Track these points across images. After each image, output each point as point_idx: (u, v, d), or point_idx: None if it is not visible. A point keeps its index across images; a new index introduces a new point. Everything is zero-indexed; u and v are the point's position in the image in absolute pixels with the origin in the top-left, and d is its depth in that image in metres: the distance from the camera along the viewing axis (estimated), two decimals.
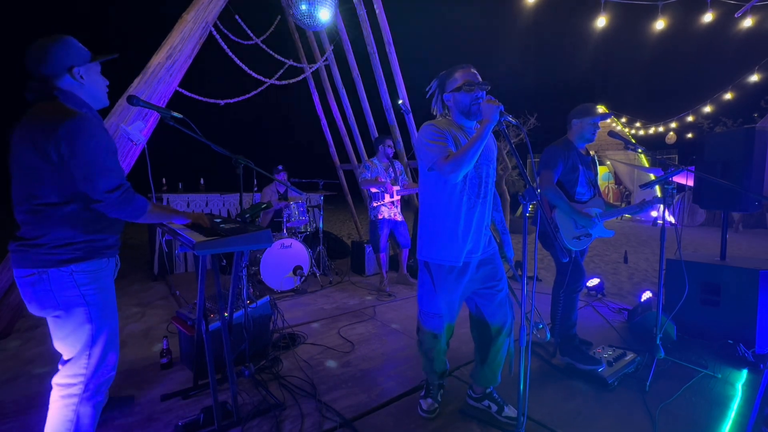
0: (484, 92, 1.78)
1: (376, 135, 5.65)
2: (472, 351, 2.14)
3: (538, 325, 2.27)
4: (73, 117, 1.35)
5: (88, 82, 1.51)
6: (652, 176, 12.35)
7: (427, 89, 1.95)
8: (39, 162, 1.36)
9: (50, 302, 1.43)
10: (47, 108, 1.39)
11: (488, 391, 2.08)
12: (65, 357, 1.51)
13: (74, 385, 1.48)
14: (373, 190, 4.19)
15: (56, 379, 1.50)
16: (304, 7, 4.08)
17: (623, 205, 13.73)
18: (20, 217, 1.43)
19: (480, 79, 1.81)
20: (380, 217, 4.21)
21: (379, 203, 4.21)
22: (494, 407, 2.05)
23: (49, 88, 1.43)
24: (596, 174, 2.75)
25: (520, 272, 1.62)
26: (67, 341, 1.48)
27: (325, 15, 4.19)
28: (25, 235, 1.42)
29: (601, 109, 2.57)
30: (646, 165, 12.85)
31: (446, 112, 1.93)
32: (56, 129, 1.33)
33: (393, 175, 4.28)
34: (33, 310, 1.47)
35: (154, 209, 1.57)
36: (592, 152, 2.74)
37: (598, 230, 2.61)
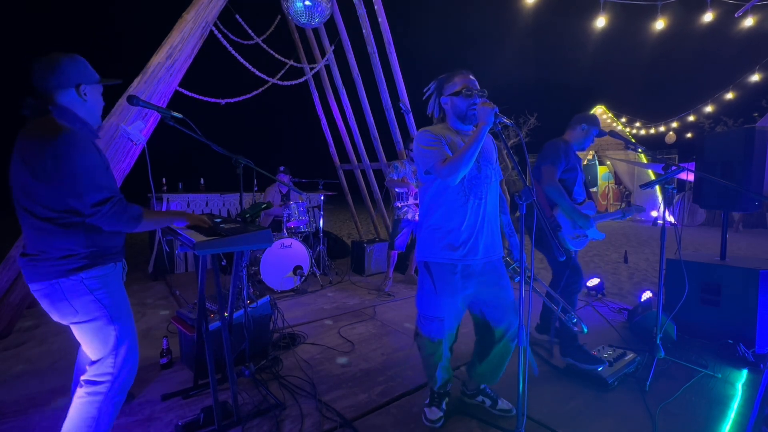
0: (480, 99, 1.79)
1: (376, 135, 5.66)
2: (472, 350, 2.13)
3: (572, 318, 2.25)
4: (61, 133, 1.37)
5: (91, 101, 1.55)
6: (651, 173, 12.33)
7: (424, 90, 1.96)
8: (30, 178, 1.38)
9: (68, 310, 1.48)
10: (38, 124, 1.42)
11: (482, 387, 2.10)
12: (93, 359, 1.55)
13: (102, 383, 1.53)
14: (398, 190, 4.28)
15: (84, 377, 1.54)
16: (299, 4, 4.06)
17: (623, 205, 13.82)
18: (24, 232, 1.47)
19: (477, 86, 1.83)
20: (403, 217, 4.29)
21: (403, 204, 4.28)
22: (488, 402, 2.08)
23: (45, 103, 1.46)
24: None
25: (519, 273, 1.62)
26: (93, 344, 1.53)
27: (316, 19, 4.16)
28: (29, 251, 1.47)
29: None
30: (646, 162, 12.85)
31: (442, 115, 1.94)
32: (44, 145, 1.35)
33: None
34: (55, 318, 1.52)
35: (150, 216, 1.58)
36: (591, 153, 2.84)
37: (592, 232, 2.64)
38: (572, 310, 2.33)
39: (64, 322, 1.52)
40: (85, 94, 1.52)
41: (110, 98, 1.70)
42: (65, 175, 1.36)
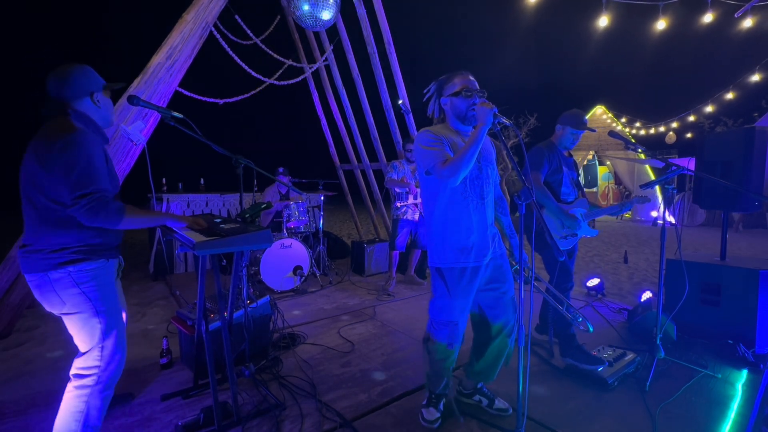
0: (480, 99, 1.80)
1: (376, 135, 5.65)
2: (469, 350, 2.14)
3: (578, 317, 2.24)
4: (73, 131, 1.48)
5: (103, 106, 1.67)
6: (650, 169, 12.31)
7: (425, 91, 1.97)
8: (37, 169, 1.47)
9: (55, 301, 1.55)
10: (56, 123, 1.53)
11: (478, 386, 2.11)
12: (81, 350, 1.61)
13: (88, 376, 1.58)
14: (398, 189, 4.27)
15: (72, 371, 1.60)
16: (306, 7, 4.07)
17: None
18: (25, 221, 1.55)
19: (477, 86, 1.84)
20: (402, 217, 4.29)
21: (402, 204, 4.29)
22: (485, 401, 2.08)
23: (63, 107, 1.57)
24: (579, 175, 2.84)
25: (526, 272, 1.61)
26: (80, 336, 1.60)
27: (326, 15, 4.18)
28: (25, 242, 1.55)
29: (587, 121, 2.69)
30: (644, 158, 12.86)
31: (442, 116, 1.95)
32: (56, 140, 1.46)
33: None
34: (46, 308, 1.59)
35: (135, 214, 1.57)
36: (591, 153, 2.80)
37: (583, 230, 2.70)
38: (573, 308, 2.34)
39: (55, 312, 1.58)
40: (98, 101, 1.63)
41: (111, 98, 1.73)
42: (65, 164, 1.44)
